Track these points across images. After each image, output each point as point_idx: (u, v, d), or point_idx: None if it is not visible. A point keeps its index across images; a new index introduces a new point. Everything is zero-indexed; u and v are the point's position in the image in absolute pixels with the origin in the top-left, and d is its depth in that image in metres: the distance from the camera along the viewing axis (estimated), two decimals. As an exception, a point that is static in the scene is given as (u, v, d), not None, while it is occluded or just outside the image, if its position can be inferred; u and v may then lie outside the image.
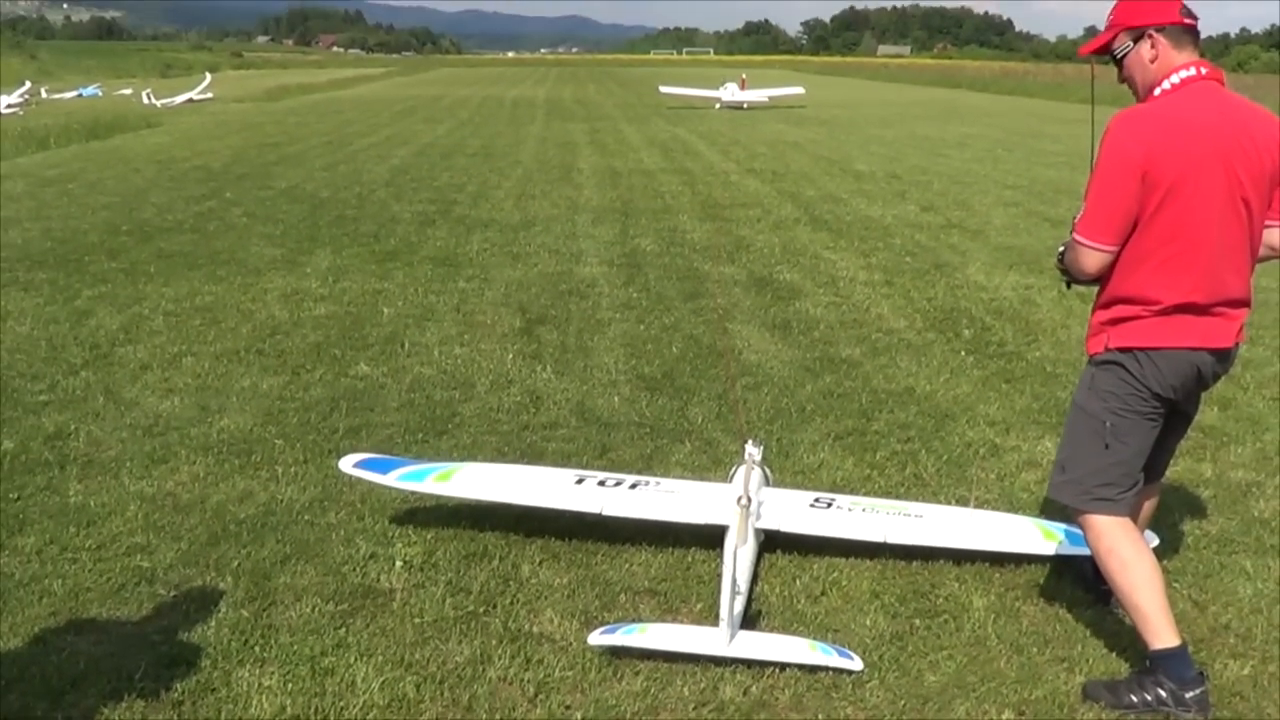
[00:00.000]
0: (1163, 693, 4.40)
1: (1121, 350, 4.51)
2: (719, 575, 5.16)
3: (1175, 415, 4.76)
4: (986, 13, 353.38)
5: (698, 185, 20.80)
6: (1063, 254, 4.65)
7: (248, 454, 7.11)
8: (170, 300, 11.10)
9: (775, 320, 10.69)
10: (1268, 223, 4.52)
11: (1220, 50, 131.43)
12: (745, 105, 46.81)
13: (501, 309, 10.98)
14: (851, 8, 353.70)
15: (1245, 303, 4.52)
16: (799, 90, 52.99)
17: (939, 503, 6.40)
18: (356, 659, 4.77)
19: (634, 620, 5.05)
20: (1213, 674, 4.72)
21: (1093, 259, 4.45)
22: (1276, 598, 5.46)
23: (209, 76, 60.66)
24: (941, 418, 7.99)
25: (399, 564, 5.62)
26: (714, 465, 6.97)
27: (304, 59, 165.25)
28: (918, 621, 5.18)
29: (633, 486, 6.07)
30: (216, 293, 11.48)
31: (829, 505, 5.94)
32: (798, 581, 5.51)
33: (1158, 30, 4.46)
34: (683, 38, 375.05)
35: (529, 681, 4.65)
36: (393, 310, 10.83)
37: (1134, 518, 4.82)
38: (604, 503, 5.85)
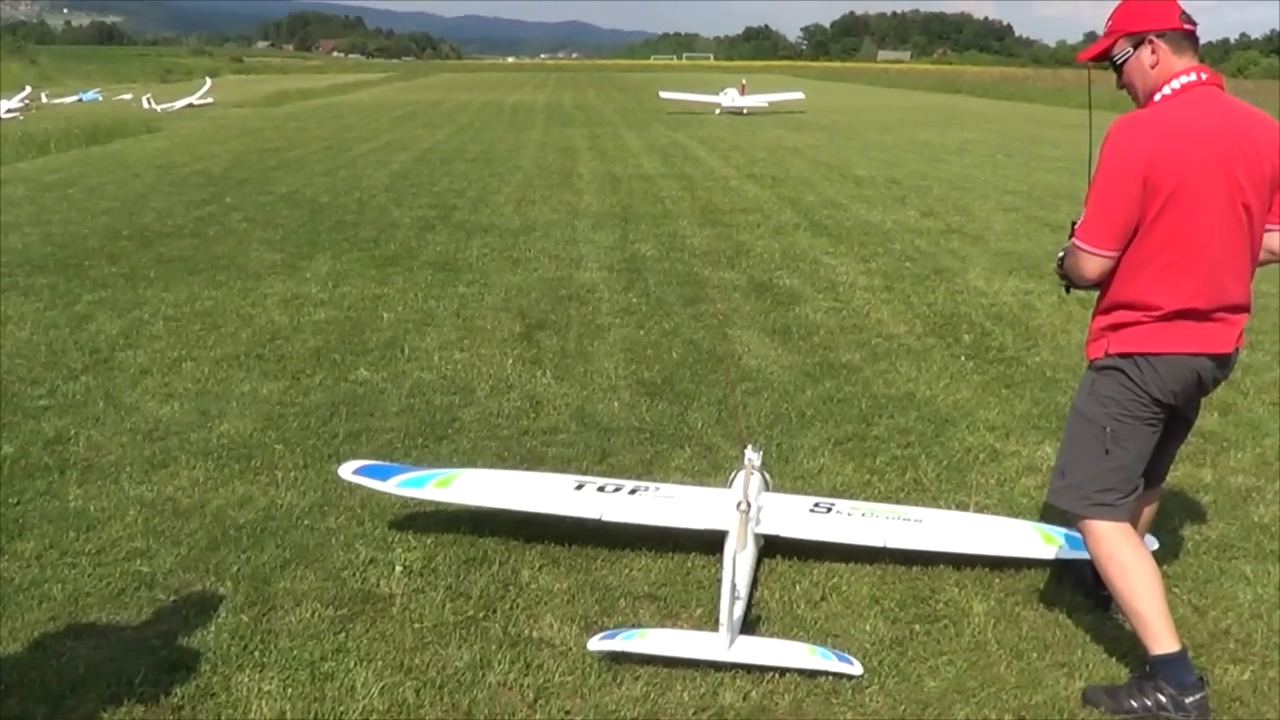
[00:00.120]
0: (1163, 698, 4.40)
1: (1122, 355, 4.51)
2: (719, 580, 5.16)
3: (1175, 420, 4.76)
4: (986, 18, 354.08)
5: (698, 190, 20.81)
6: (1063, 259, 4.65)
7: (247, 459, 7.11)
8: (170, 305, 11.10)
9: (775, 325, 10.70)
10: (1268, 227, 4.52)
11: (1220, 55, 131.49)
12: (745, 110, 46.80)
13: (501, 314, 10.98)
14: (851, 13, 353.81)
15: (1245, 308, 4.52)
16: (799, 95, 52.97)
17: (939, 508, 6.40)
18: (356, 664, 4.77)
19: (634, 625, 5.05)
20: (1213, 679, 4.72)
21: (1093, 264, 4.45)
22: (1276, 603, 5.46)
23: (209, 81, 60.61)
24: (941, 423, 8.00)
25: (399, 569, 5.62)
26: (714, 470, 6.97)
27: (304, 64, 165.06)
28: (918, 627, 5.18)
29: (632, 492, 6.07)
30: (216, 298, 11.49)
31: (829, 510, 5.94)
32: (797, 587, 5.51)
33: (1158, 36, 4.46)
34: (683, 43, 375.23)
35: (529, 687, 4.65)
36: (393, 315, 10.83)
37: (1134, 523, 4.82)
38: (604, 508, 5.85)
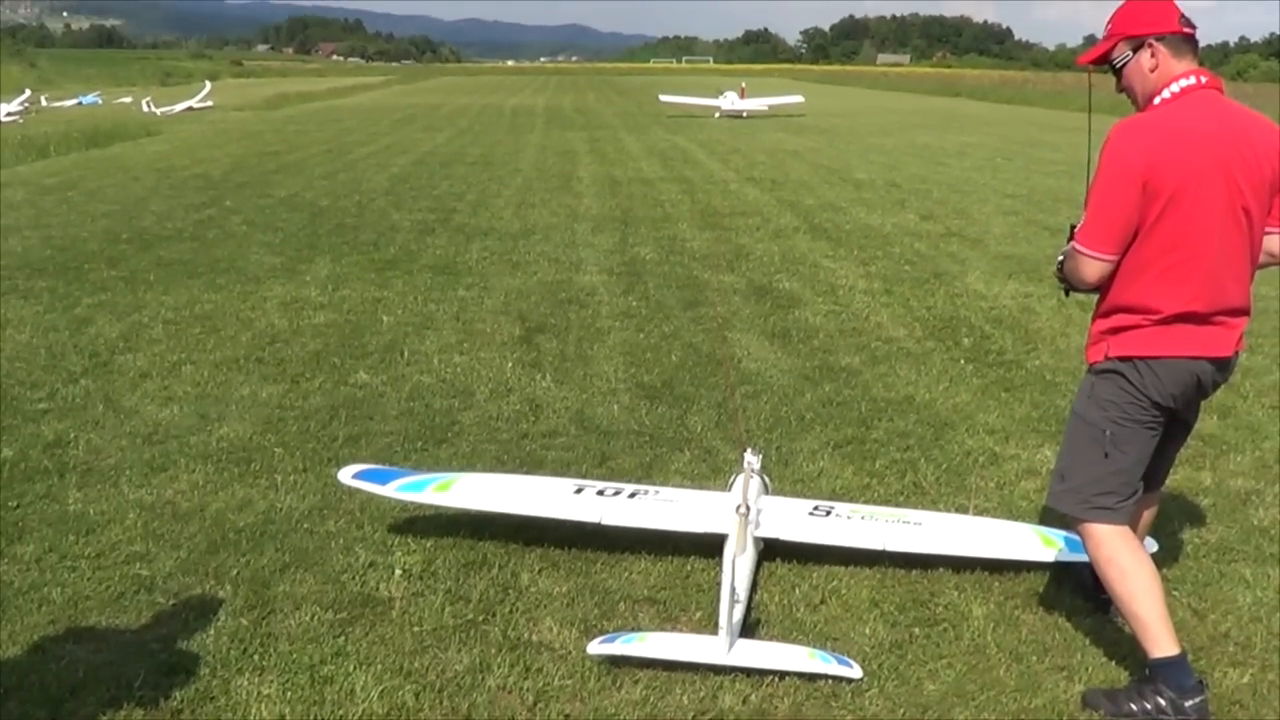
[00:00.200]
0: (1162, 701, 4.40)
1: (1121, 359, 4.51)
2: (718, 584, 5.15)
3: (1175, 424, 4.76)
4: (986, 21, 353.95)
5: (697, 194, 20.81)
6: (1062, 263, 4.65)
7: (247, 462, 7.11)
8: (170, 308, 11.11)
9: (774, 329, 10.70)
10: (1268, 230, 4.52)
11: (1219, 59, 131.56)
12: (745, 114, 46.80)
13: (501, 317, 10.98)
14: (851, 16, 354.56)
15: (1245, 311, 4.52)
16: (798, 99, 52.94)
17: (938, 511, 6.40)
18: (355, 667, 4.77)
19: (633, 629, 5.05)
20: (1212, 682, 4.72)
21: (1093, 268, 4.45)
22: (1276, 606, 5.46)
23: (209, 85, 60.60)
24: (941, 426, 8.00)
25: (398, 572, 5.62)
26: (713, 474, 6.97)
27: (304, 67, 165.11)
28: (917, 630, 5.18)
29: (631, 495, 6.07)
30: (216, 301, 11.49)
31: (828, 513, 5.94)
32: (797, 590, 5.51)
33: (1157, 39, 4.47)
34: (682, 46, 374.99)
35: (528, 690, 4.64)
36: (392, 318, 10.83)
37: (1133, 526, 4.82)
38: (603, 512, 5.84)
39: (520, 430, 7.84)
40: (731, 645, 4.72)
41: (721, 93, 48.89)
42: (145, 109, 46.12)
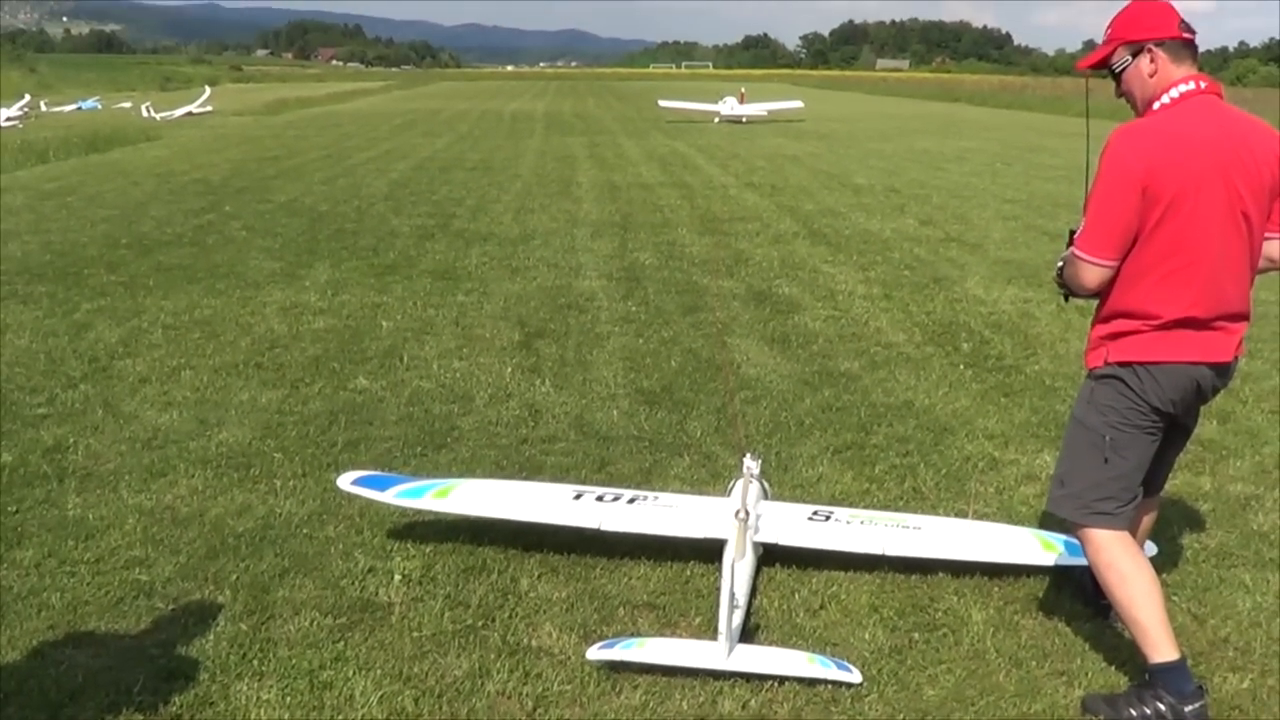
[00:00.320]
0: (1162, 706, 4.40)
1: (1121, 364, 4.51)
2: (717, 589, 5.15)
3: (1174, 429, 4.76)
4: (985, 26, 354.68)
5: (696, 199, 20.82)
6: (1062, 268, 4.65)
7: (246, 467, 7.11)
8: (169, 313, 11.11)
9: (774, 334, 10.70)
10: (1267, 235, 4.53)
11: (1219, 64, 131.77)
12: (744, 119, 46.80)
13: (500, 322, 10.99)
14: (850, 21, 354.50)
15: (1245, 316, 4.52)
16: (798, 104, 53.01)
17: (938, 516, 6.39)
18: (355, 673, 4.77)
19: (632, 634, 5.05)
20: (1212, 687, 4.72)
21: (1093, 274, 4.45)
22: (1276, 611, 5.46)
23: (208, 90, 60.76)
24: (940, 431, 8.00)
25: (398, 578, 5.62)
26: (713, 479, 6.97)
27: (303, 72, 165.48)
28: (916, 635, 5.18)
29: (631, 501, 6.07)
30: (215, 306, 11.49)
31: (827, 518, 5.94)
32: (796, 595, 5.51)
33: (1157, 45, 4.47)
34: (681, 51, 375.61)
35: (527, 695, 4.64)
36: (392, 324, 10.84)
37: (1133, 531, 4.82)
38: (602, 518, 5.84)
39: (519, 435, 7.84)
40: (731, 650, 4.72)
41: (721, 98, 48.92)
42: (145, 114, 46.16)
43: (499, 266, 13.87)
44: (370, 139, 35.16)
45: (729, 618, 4.74)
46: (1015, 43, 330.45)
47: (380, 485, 6.24)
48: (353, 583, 5.58)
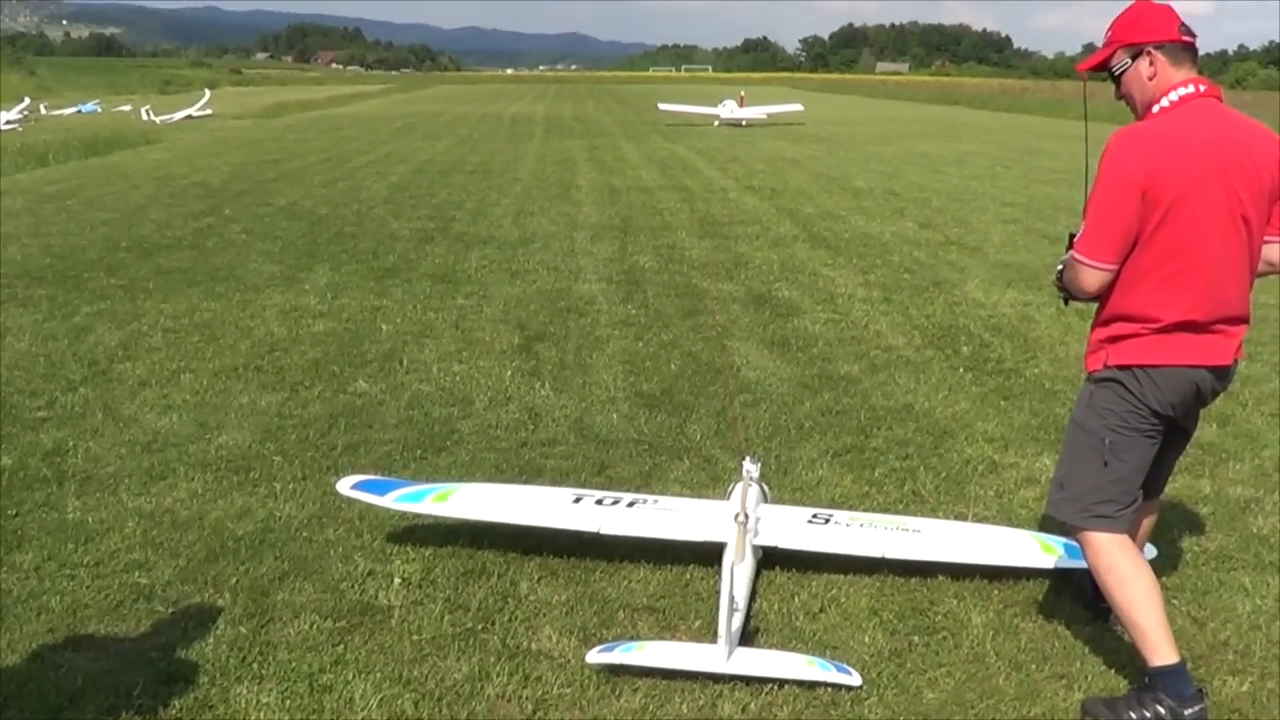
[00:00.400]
0: (1161, 710, 4.40)
1: (1120, 368, 4.51)
2: (717, 592, 5.15)
3: (1174, 432, 4.76)
4: (985, 30, 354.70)
5: (696, 202, 20.82)
6: (1061, 272, 4.65)
7: (246, 471, 7.11)
8: (169, 317, 11.11)
9: (774, 337, 10.70)
10: (1267, 238, 4.53)
11: (1218, 67, 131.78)
12: (744, 122, 46.81)
13: (500, 326, 10.99)
14: (850, 25, 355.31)
15: (1244, 319, 4.52)
16: (797, 107, 53.04)
17: (938, 519, 6.39)
18: (355, 676, 4.77)
19: (632, 638, 5.05)
20: (1212, 691, 4.72)
21: (1092, 277, 4.45)
22: (1275, 614, 5.46)
23: (208, 93, 60.72)
24: (940, 435, 8.00)
25: (397, 581, 5.62)
26: (712, 482, 6.97)
27: (303, 76, 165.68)
28: (916, 638, 5.18)
29: (630, 505, 6.07)
30: (215, 309, 11.49)
31: (827, 521, 5.94)
32: (796, 598, 5.51)
33: (1156, 48, 4.47)
34: (681, 55, 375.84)
35: (527, 699, 4.64)
36: (391, 327, 10.84)
37: (1133, 534, 4.82)
38: (602, 521, 5.85)
39: (519, 439, 7.84)
40: (730, 654, 4.72)
41: (720, 101, 48.93)
42: (144, 117, 46.16)
43: (499, 270, 13.87)
44: (370, 142, 35.18)
45: (728, 621, 4.74)
46: (1015, 46, 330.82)
47: (380, 490, 6.24)
48: (352, 586, 5.58)
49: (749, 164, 28.81)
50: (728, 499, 5.99)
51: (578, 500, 6.12)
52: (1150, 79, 4.50)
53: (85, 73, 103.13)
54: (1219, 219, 4.32)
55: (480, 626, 5.21)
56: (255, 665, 4.84)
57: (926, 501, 6.81)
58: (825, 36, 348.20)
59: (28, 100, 52.73)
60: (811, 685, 4.68)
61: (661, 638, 5.10)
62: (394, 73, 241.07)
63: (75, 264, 13.79)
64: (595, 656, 4.83)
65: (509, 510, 6.04)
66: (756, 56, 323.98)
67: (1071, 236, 4.57)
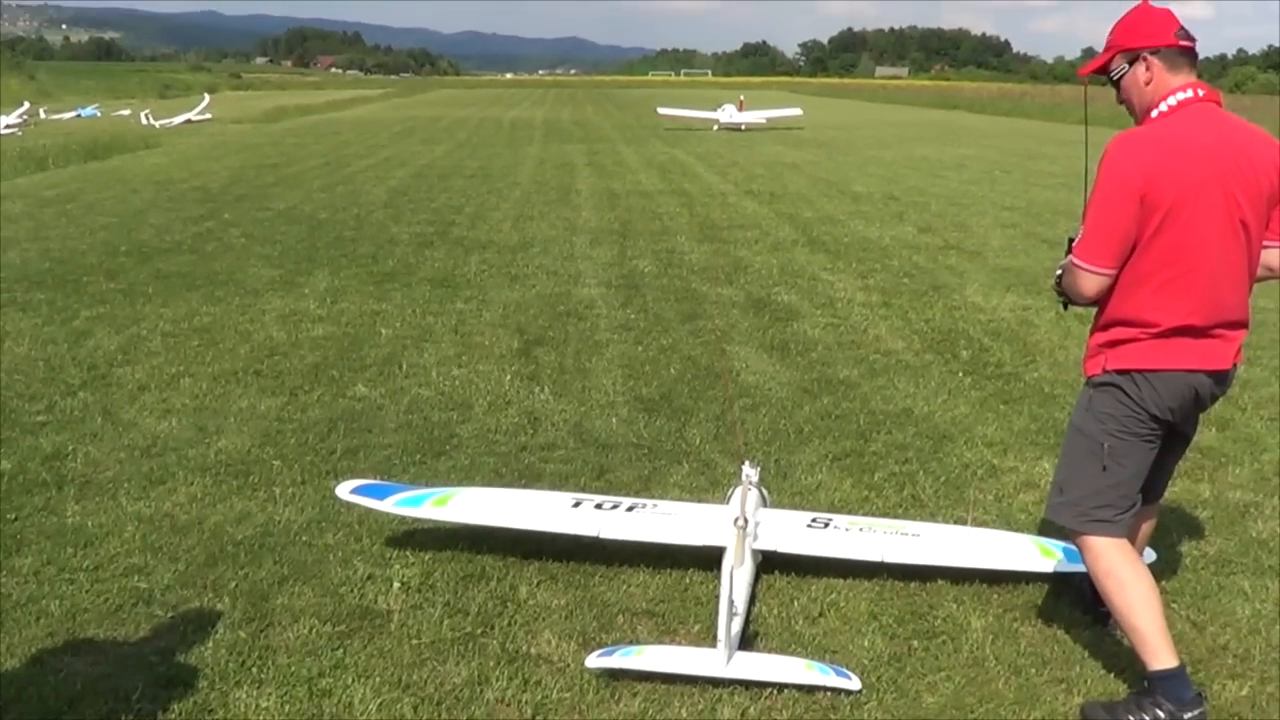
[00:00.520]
0: (1161, 714, 4.40)
1: (1119, 372, 4.51)
2: (716, 596, 5.15)
3: (1173, 436, 4.76)
4: (984, 34, 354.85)
5: (696, 207, 20.83)
6: (1060, 276, 4.66)
7: (245, 475, 7.11)
8: (168, 321, 11.11)
9: (773, 341, 10.70)
10: (1266, 243, 4.53)
11: (1218, 71, 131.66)
12: (743, 127, 46.81)
13: (499, 330, 10.99)
14: (849, 29, 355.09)
15: (1243, 324, 4.53)
16: (797, 112, 53.00)
17: (937, 523, 6.39)
18: (354, 680, 4.77)
19: (632, 642, 5.05)
20: (1211, 695, 4.72)
21: (1091, 282, 4.46)
22: (1275, 618, 5.46)
23: (207, 97, 60.68)
24: (939, 439, 8.00)
25: (396, 585, 5.62)
26: (712, 486, 6.98)
27: (302, 80, 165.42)
28: (915, 643, 5.18)
29: (630, 509, 6.07)
30: (214, 313, 11.49)
31: (826, 525, 5.94)
32: (795, 603, 5.51)
33: (1152, 53, 4.48)
34: (680, 59, 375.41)
35: (526, 703, 4.64)
36: (391, 331, 10.84)
37: (1132, 538, 4.83)
38: (601, 525, 5.85)
39: (519, 443, 7.84)
40: (730, 658, 4.72)
41: (720, 105, 48.93)
42: (144, 122, 46.12)
43: (498, 274, 13.87)
44: (369, 146, 35.18)
45: (728, 625, 4.74)
46: (1014, 50, 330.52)
47: (379, 494, 6.24)
48: (352, 590, 5.58)
49: (748, 168, 28.82)
50: (727, 503, 5.99)
51: (577, 504, 6.12)
52: (1146, 84, 4.51)
53: (84, 77, 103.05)
54: (1217, 224, 4.32)
55: (480, 631, 5.21)
56: (254, 669, 4.84)
57: (926, 506, 6.82)
58: (824, 41, 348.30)
59: (27, 104, 52.67)
60: (811, 689, 4.68)
61: (661, 642, 5.10)
62: (393, 77, 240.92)
63: (74, 268, 13.79)
64: (595, 661, 4.83)
65: (508, 514, 6.04)
66: (756, 61, 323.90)
67: (1071, 241, 4.57)
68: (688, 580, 5.70)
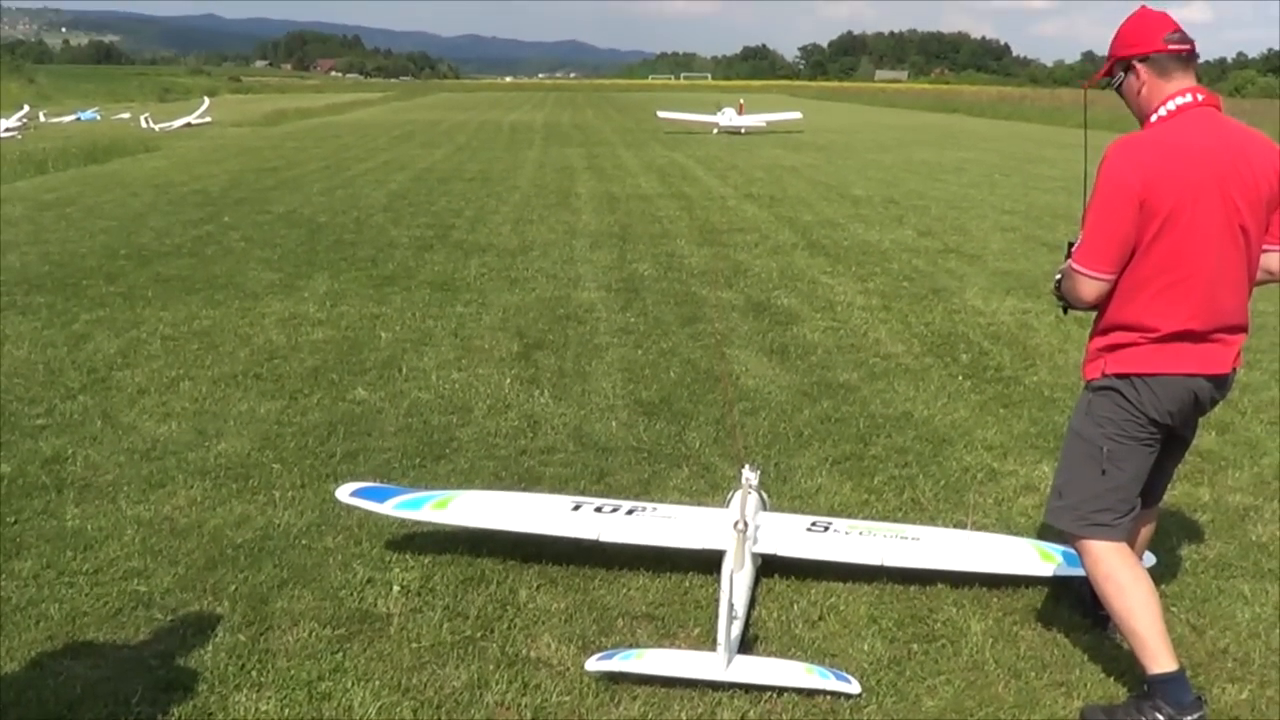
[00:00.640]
0: (1160, 717, 4.40)
1: (1118, 376, 4.52)
2: (716, 600, 5.15)
3: (1173, 440, 4.76)
4: (984, 37, 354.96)
5: (695, 210, 20.83)
6: (1060, 281, 4.66)
7: (245, 478, 7.10)
8: (168, 324, 11.11)
9: (773, 345, 10.70)
10: (1265, 247, 4.53)
11: (1217, 75, 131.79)
12: (743, 130, 46.81)
13: (499, 333, 10.99)
14: (849, 32, 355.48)
15: (1243, 328, 4.53)
16: (796, 115, 53.01)
17: (937, 527, 6.39)
18: (354, 683, 4.76)
19: (631, 645, 5.05)
20: (1211, 698, 4.72)
21: (1091, 287, 4.46)
22: (1274, 622, 5.46)
23: (207, 101, 60.70)
24: (939, 442, 8.00)
25: (396, 589, 5.62)
26: (711, 490, 6.98)
27: (302, 83, 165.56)
28: (915, 646, 5.18)
29: (629, 512, 6.07)
30: (214, 317, 11.49)
31: (826, 529, 5.94)
32: (795, 606, 5.51)
33: (1140, 60, 4.50)
34: (680, 63, 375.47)
35: (526, 707, 4.64)
36: (390, 335, 10.84)
37: (1131, 542, 4.83)
38: (601, 529, 5.85)
39: (518, 447, 7.84)
40: (730, 661, 4.72)
41: (720, 109, 48.93)
42: (143, 125, 46.16)
43: (498, 277, 13.88)
44: (369, 150, 35.18)
45: (728, 629, 4.74)
46: (1014, 54, 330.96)
47: (379, 497, 6.24)
48: (351, 594, 5.58)
49: (748, 172, 28.84)
50: (727, 507, 5.99)
51: (577, 508, 6.12)
52: (1139, 92, 4.54)
53: (84, 80, 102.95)
54: (1216, 228, 4.32)
55: (479, 634, 5.21)
56: (254, 673, 4.84)
57: (925, 509, 6.82)
58: (824, 44, 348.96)
59: (27, 108, 52.72)
60: (811, 693, 4.68)
61: (661, 645, 5.10)
62: (393, 80, 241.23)
63: (74, 271, 13.79)
64: (594, 664, 4.82)
65: (508, 518, 6.04)
66: (755, 64, 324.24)
67: (1070, 245, 4.57)
68: (687, 584, 5.70)
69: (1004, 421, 8.47)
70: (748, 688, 4.70)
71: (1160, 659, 4.45)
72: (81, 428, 8.02)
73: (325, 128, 49.11)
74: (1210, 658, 5.13)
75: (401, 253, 15.60)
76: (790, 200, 22.65)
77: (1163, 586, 5.46)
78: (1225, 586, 5.82)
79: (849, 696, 4.68)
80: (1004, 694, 4.81)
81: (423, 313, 11.81)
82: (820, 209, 21.26)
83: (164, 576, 5.72)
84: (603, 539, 5.80)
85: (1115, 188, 4.33)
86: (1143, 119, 4.55)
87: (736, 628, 4.95)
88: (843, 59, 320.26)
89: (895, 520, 6.49)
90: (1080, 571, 5.00)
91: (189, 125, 47.87)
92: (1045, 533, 6.09)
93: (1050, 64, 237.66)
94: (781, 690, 4.69)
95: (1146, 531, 5.23)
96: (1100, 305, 4.54)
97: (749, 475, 5.77)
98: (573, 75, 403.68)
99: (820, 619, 5.41)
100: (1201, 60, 4.73)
